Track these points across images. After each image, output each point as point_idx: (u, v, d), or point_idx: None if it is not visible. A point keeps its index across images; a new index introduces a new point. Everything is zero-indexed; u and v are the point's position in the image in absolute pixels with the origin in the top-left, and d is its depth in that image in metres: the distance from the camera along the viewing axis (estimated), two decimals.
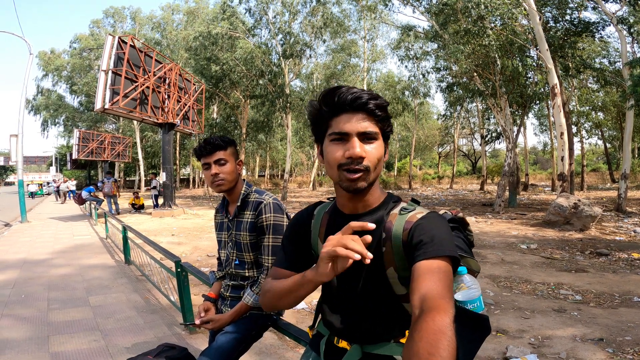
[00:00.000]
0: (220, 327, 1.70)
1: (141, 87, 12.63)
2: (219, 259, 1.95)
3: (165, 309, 4.08)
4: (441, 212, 1.14)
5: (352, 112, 0.94)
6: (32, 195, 31.53)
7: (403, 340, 1.00)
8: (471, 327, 0.96)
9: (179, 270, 3.33)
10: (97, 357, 2.94)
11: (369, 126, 0.94)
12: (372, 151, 0.95)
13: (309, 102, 1.01)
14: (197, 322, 1.72)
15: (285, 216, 1.74)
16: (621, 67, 13.08)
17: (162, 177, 14.40)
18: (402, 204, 1.03)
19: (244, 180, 1.84)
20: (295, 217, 1.22)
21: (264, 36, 22.78)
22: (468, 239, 1.15)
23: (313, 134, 1.04)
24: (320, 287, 1.14)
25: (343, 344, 1.07)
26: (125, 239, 6.08)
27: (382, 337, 1.02)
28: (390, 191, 1.09)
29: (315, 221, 1.14)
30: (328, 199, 1.16)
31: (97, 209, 12.37)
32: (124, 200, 20.62)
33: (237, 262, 1.79)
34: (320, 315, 1.18)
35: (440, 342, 0.68)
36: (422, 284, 0.82)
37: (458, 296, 0.99)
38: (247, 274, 1.77)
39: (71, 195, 23.42)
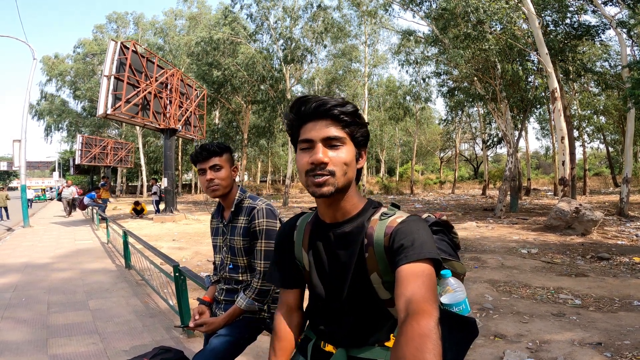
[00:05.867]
0: (214, 330, 1.72)
1: (143, 92, 12.71)
2: (214, 263, 1.97)
3: (164, 313, 4.09)
4: (424, 215, 1.14)
5: (317, 119, 0.96)
6: (30, 202, 24.74)
7: (388, 344, 1.02)
8: (458, 330, 0.97)
9: (177, 274, 3.35)
10: None
11: (333, 131, 0.95)
12: (337, 156, 0.95)
13: (284, 113, 1.03)
14: (191, 324, 1.74)
15: (277, 221, 1.76)
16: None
17: (164, 183, 14.45)
18: (382, 209, 1.03)
19: (238, 186, 1.87)
20: (279, 232, 1.23)
21: (265, 41, 22.98)
22: (453, 242, 1.16)
23: (291, 143, 1.05)
24: (308, 291, 1.16)
25: (329, 347, 1.08)
26: (125, 244, 6.11)
27: (367, 341, 1.03)
28: (371, 197, 1.07)
29: (298, 232, 1.15)
30: (310, 209, 1.18)
31: (98, 213, 12.41)
32: (126, 205, 20.69)
33: (231, 266, 1.81)
34: (308, 319, 1.20)
35: (426, 345, 0.68)
36: (406, 288, 0.82)
37: (444, 299, 0.99)
38: (240, 278, 1.79)
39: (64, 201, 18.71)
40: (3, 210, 16.12)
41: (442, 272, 0.99)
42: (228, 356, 1.68)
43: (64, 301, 4.45)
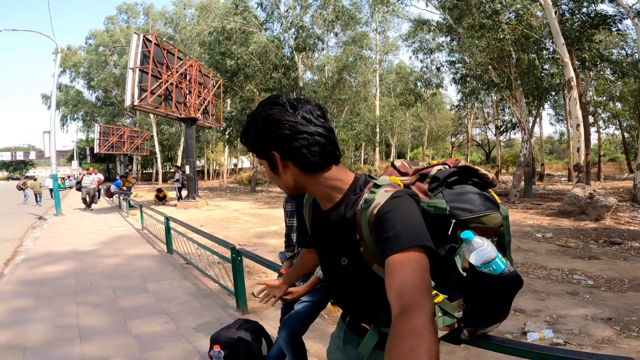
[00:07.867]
0: (297, 298, 2.13)
1: (165, 83, 13.12)
2: (289, 241, 2.38)
3: (216, 293, 4.53)
4: (432, 171, 1.07)
5: None
6: (51, 191, 23.45)
7: None
8: (500, 287, 1.05)
9: (234, 256, 3.76)
10: (171, 337, 3.34)
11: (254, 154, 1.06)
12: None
13: None
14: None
15: None
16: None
17: (186, 170, 14.99)
18: (365, 194, 0.97)
19: None
20: (296, 204, 1.31)
21: (276, 30, 23.13)
22: (483, 181, 1.10)
23: None
24: None
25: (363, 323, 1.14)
26: (167, 229, 6.56)
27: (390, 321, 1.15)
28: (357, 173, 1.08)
29: (305, 209, 1.22)
30: None
31: (127, 201, 13.00)
32: (145, 192, 21.30)
33: None
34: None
35: (420, 346, 0.66)
36: (395, 279, 0.79)
37: (472, 260, 0.98)
38: None
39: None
40: (37, 196, 18.65)
41: (462, 235, 0.97)
42: (309, 318, 2.13)
43: (124, 285, 4.86)
